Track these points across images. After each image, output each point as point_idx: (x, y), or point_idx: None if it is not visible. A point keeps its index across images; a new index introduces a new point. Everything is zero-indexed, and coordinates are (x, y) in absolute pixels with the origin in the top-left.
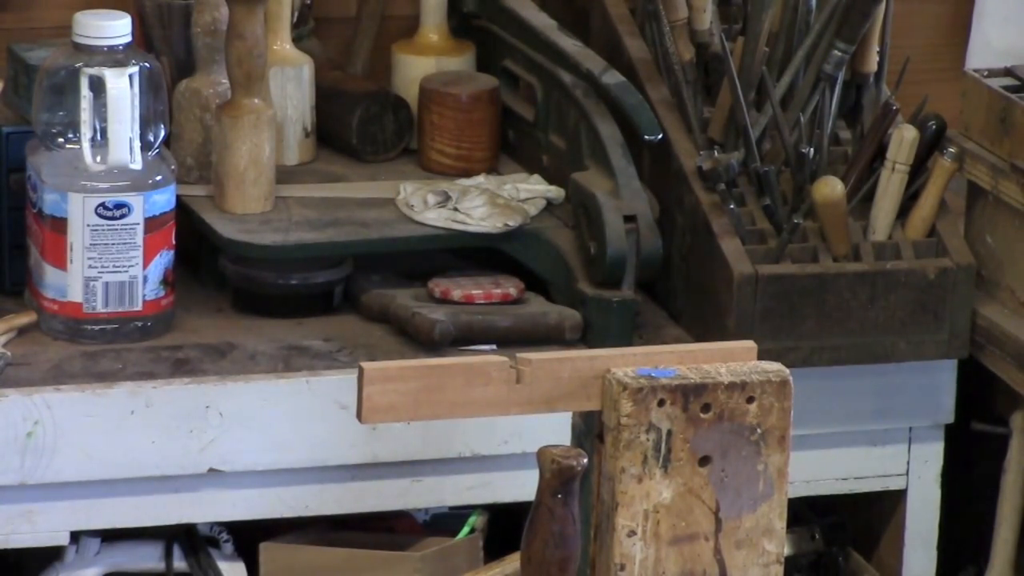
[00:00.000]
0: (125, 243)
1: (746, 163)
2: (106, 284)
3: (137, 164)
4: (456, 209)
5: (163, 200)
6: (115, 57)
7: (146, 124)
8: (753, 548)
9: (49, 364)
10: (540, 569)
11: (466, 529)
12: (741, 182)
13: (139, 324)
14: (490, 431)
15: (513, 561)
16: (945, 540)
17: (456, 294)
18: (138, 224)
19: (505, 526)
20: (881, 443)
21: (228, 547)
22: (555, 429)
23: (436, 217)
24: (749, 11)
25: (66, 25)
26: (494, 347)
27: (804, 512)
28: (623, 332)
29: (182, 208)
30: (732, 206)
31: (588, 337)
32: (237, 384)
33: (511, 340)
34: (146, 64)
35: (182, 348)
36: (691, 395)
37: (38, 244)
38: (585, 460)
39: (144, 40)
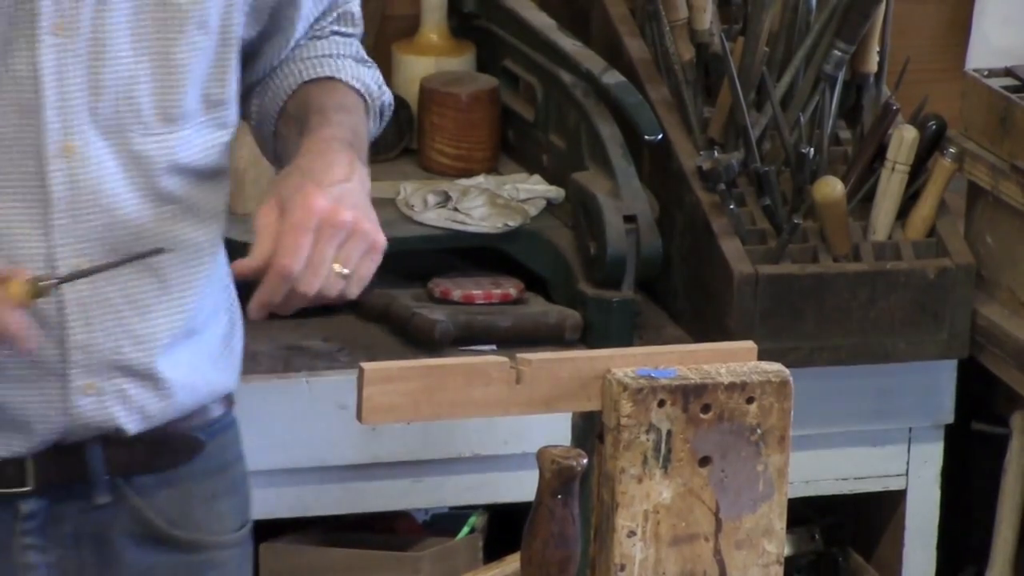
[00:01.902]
0: None
1: (746, 163)
2: None
3: None
4: (456, 209)
5: None
6: None
7: None
8: (753, 548)
9: None
10: (540, 569)
11: (466, 529)
12: (741, 182)
13: None
14: (490, 431)
15: (513, 561)
16: (945, 540)
17: (456, 294)
18: None
19: (505, 526)
20: (881, 443)
21: None
22: (555, 429)
23: (436, 217)
24: (749, 11)
25: None
26: (494, 347)
27: (804, 512)
28: (623, 332)
29: None
30: (732, 206)
31: (588, 337)
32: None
33: (511, 340)
34: None
35: None
36: (691, 395)
37: None
38: (585, 460)
39: None
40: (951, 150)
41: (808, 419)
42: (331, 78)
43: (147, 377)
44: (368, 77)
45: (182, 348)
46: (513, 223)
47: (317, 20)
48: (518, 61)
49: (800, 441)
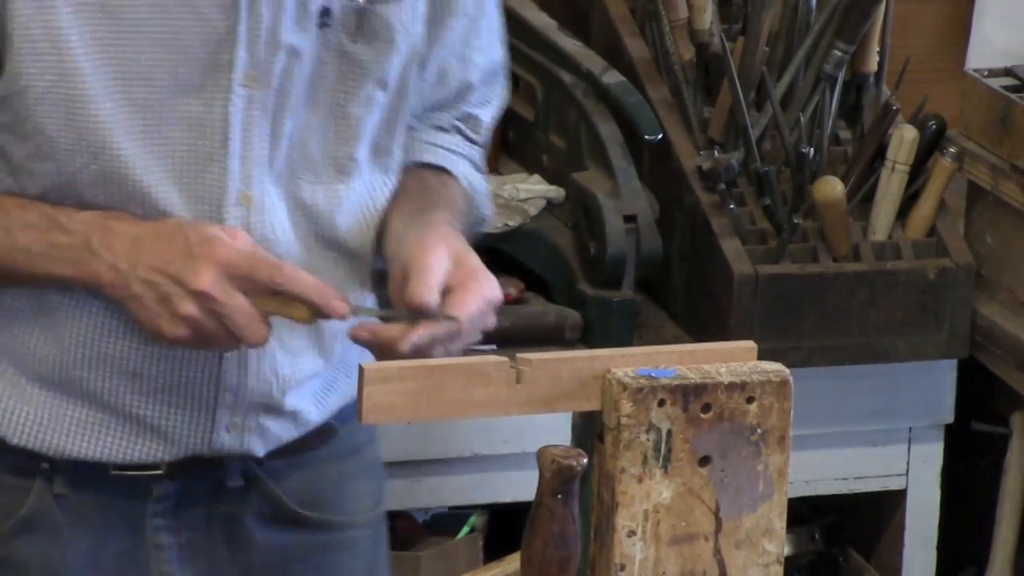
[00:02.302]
0: None
1: (746, 163)
2: None
3: None
4: None
5: None
6: None
7: None
8: (753, 548)
9: None
10: (540, 569)
11: (466, 529)
12: (741, 182)
13: None
14: (490, 431)
15: (513, 561)
16: (945, 540)
17: None
18: None
19: (505, 526)
20: (881, 443)
21: None
22: (555, 429)
23: None
24: (749, 11)
25: None
26: (494, 347)
27: (804, 512)
28: (623, 332)
29: None
30: (732, 206)
31: (588, 337)
32: None
33: (511, 340)
34: None
35: None
36: (691, 395)
37: None
38: (585, 460)
39: None
40: (951, 150)
41: (808, 419)
42: (446, 170)
43: (287, 414)
44: (478, 184)
45: (319, 379)
46: (513, 223)
47: (438, 109)
48: (518, 61)
49: (800, 441)
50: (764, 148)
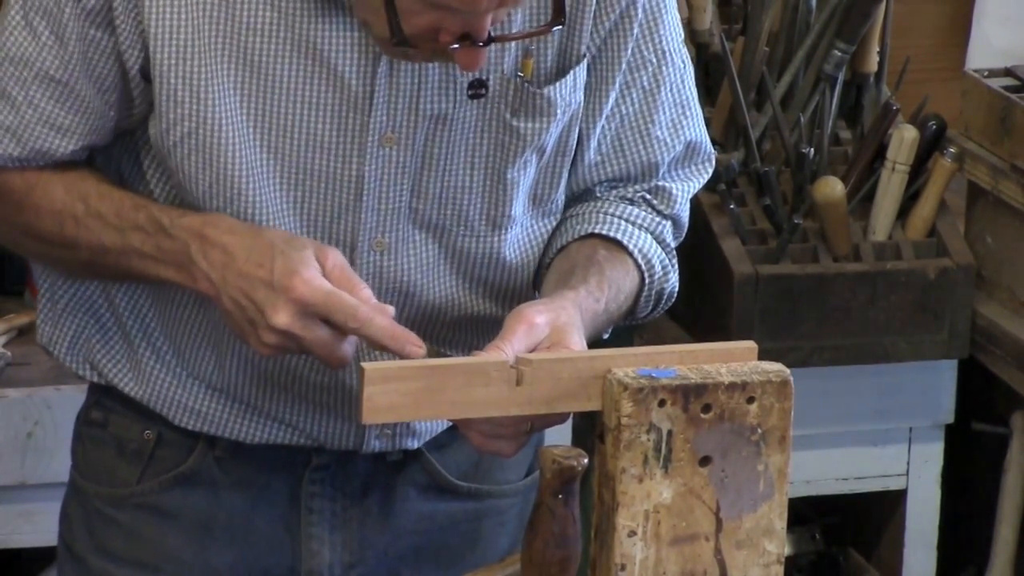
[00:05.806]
0: None
1: (746, 163)
2: None
3: None
4: None
5: None
6: None
7: None
8: (753, 548)
9: (49, 364)
10: (540, 569)
11: None
12: (741, 182)
13: None
14: None
15: (513, 562)
16: (945, 540)
17: None
18: None
19: None
20: (881, 443)
21: None
22: (555, 429)
23: None
24: (749, 11)
25: None
26: None
27: (804, 512)
28: (623, 332)
29: None
30: (732, 206)
31: None
32: None
33: None
34: None
35: None
36: (691, 395)
37: None
38: (585, 460)
39: None
40: (951, 150)
41: (808, 419)
42: (620, 244)
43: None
44: (655, 257)
45: None
46: None
47: (625, 181)
48: None
49: (800, 441)
50: (764, 148)
